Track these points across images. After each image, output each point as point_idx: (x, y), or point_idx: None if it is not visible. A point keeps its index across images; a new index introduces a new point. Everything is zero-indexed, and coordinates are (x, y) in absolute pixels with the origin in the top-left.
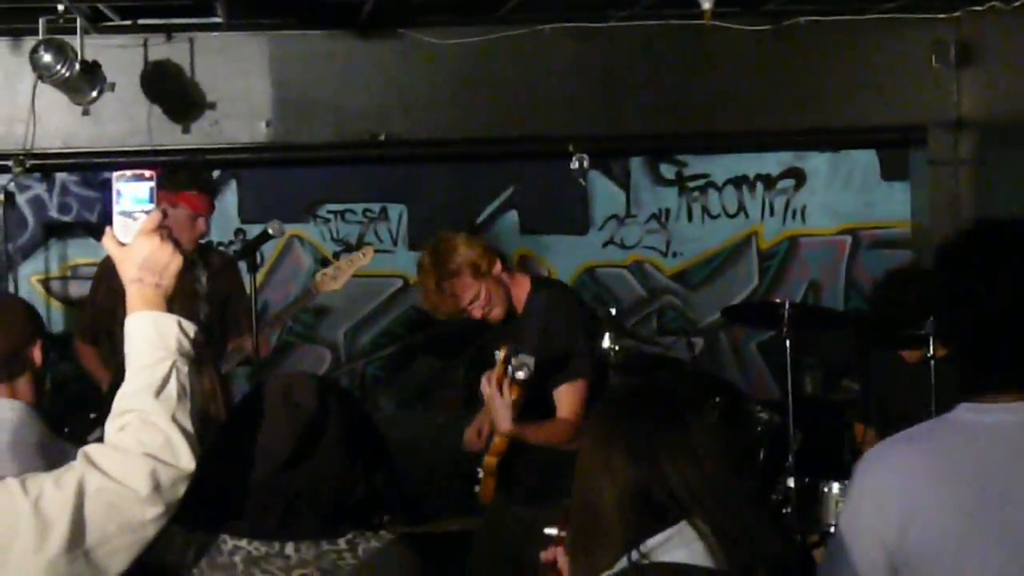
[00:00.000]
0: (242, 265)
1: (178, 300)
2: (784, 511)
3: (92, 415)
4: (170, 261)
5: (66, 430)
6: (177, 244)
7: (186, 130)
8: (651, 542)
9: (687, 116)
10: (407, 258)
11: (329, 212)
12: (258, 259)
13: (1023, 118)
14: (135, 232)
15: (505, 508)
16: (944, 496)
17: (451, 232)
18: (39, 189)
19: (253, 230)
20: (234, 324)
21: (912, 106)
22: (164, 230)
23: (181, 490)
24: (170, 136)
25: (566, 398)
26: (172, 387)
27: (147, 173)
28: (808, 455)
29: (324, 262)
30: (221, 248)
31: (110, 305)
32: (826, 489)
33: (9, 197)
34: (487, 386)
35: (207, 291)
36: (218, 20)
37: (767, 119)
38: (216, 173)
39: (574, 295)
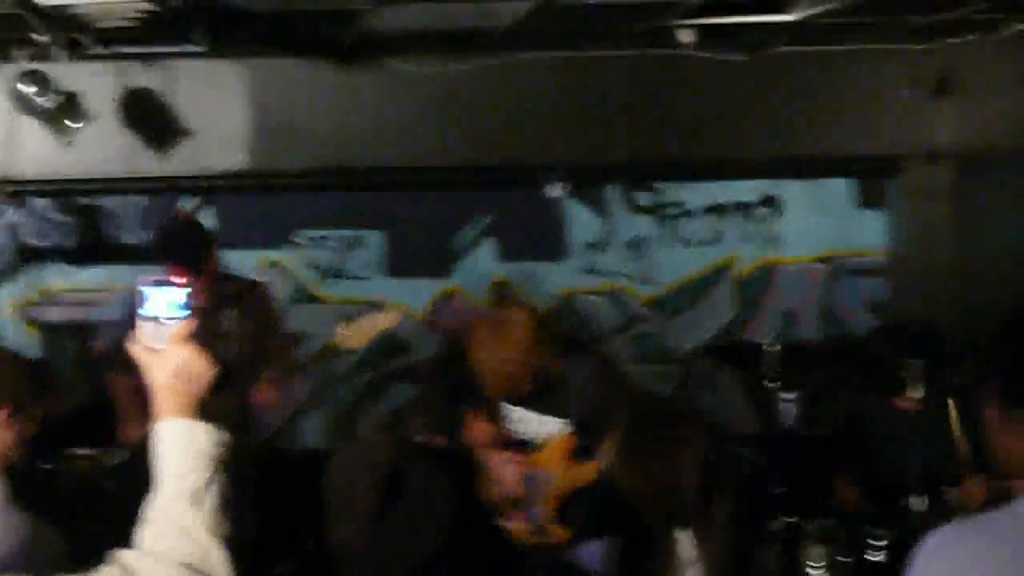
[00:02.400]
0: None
1: (202, 340)
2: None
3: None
4: (204, 370)
5: (45, 465)
6: (215, 354)
7: (164, 157)
8: None
9: (665, 144)
10: (384, 285)
11: (307, 239)
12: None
13: (1000, 149)
14: (166, 338)
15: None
16: None
17: (517, 306)
18: (16, 215)
19: (231, 256)
20: (266, 360)
21: (889, 136)
22: (200, 338)
23: None
24: (148, 163)
25: None
26: (211, 497)
27: (181, 280)
28: (790, 494)
29: (302, 290)
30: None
31: None
32: (806, 530)
33: None
34: None
35: (237, 329)
36: (198, 48)
37: (744, 148)
38: (194, 200)
39: (609, 359)
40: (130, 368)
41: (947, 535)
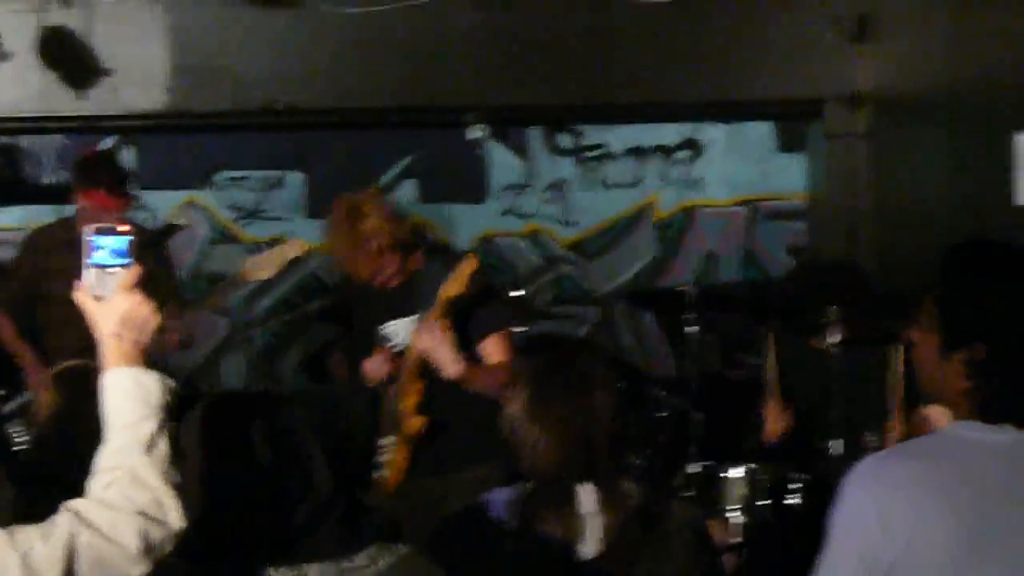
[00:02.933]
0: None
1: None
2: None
3: None
4: (149, 318)
5: None
6: (158, 301)
7: (82, 97)
8: None
9: (586, 87)
10: (304, 226)
11: (226, 179)
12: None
13: (919, 93)
14: (111, 286)
15: (410, 483)
16: (948, 514)
17: (364, 196)
18: None
19: (151, 197)
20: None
21: (809, 80)
22: (144, 286)
23: (168, 548)
24: (66, 103)
25: (497, 347)
26: (161, 445)
27: (123, 227)
28: (709, 438)
29: (221, 230)
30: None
31: (35, 280)
32: (725, 474)
33: None
34: (427, 333)
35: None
36: None
37: (665, 90)
38: (112, 139)
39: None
40: (11, 310)
41: (878, 462)
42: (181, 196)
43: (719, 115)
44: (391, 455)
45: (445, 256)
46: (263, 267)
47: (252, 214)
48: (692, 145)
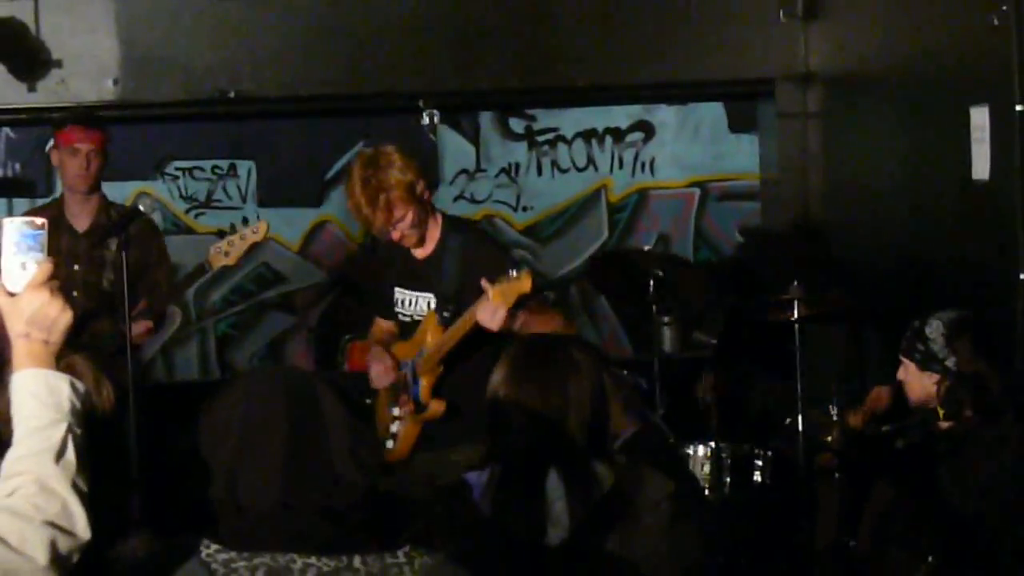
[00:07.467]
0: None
1: (82, 266)
2: None
3: None
4: (59, 317)
5: None
6: (68, 299)
7: (32, 88)
8: None
9: (537, 70)
10: (256, 214)
11: (177, 169)
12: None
13: (869, 71)
14: (23, 282)
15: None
16: None
17: (388, 146)
18: None
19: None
20: (147, 292)
21: (760, 59)
22: (54, 283)
23: (75, 559)
24: (15, 95)
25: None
26: (70, 452)
27: (38, 221)
28: (672, 417)
29: (174, 220)
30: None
31: None
32: (691, 451)
33: None
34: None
35: (115, 258)
36: None
37: (616, 73)
38: None
39: (488, 235)
40: None
41: None
42: (132, 187)
43: (670, 96)
44: (403, 429)
45: (466, 231)
46: (227, 254)
47: (204, 204)
48: (644, 127)
